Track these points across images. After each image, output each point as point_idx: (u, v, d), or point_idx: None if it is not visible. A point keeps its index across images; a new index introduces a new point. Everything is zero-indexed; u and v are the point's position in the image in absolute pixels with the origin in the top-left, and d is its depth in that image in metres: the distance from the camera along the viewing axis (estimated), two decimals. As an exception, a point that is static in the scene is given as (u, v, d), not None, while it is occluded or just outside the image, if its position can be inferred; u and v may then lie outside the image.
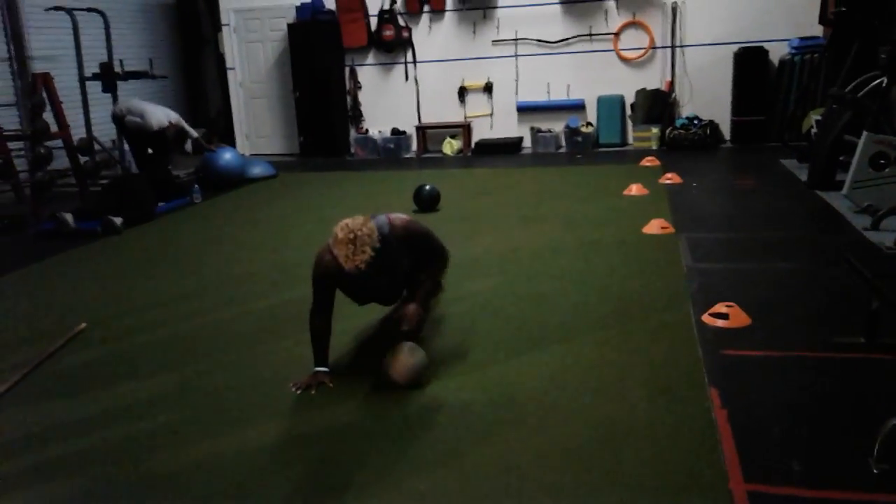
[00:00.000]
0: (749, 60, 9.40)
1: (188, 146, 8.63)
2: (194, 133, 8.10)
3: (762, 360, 3.40)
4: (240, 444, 2.88)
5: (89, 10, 8.68)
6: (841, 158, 6.42)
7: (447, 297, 4.16)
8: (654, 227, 5.64)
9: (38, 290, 5.15)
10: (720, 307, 3.87)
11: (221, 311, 4.45)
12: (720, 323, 3.79)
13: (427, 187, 6.80)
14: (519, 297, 4.39)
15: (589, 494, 2.44)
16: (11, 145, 7.79)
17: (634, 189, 7.03)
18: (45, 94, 7.60)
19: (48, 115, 7.83)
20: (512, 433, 2.85)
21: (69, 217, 6.52)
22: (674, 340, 3.63)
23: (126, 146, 8.62)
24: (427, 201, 6.74)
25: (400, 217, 3.39)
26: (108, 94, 8.69)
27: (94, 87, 8.70)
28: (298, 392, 3.22)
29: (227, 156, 8.48)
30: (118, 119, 7.87)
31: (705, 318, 3.85)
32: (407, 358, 3.23)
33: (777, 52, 9.42)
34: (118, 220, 6.50)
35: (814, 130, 7.49)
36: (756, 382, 3.19)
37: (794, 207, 6.27)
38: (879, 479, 2.45)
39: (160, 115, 7.64)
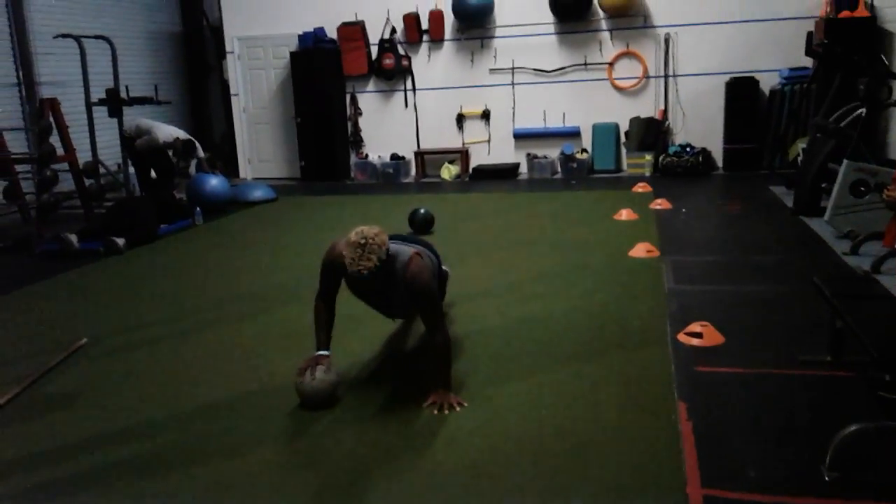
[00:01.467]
0: (740, 90, 9.61)
1: (192, 168, 8.86)
2: (202, 153, 8.35)
3: (732, 376, 3.55)
4: (235, 462, 3.04)
5: (97, 37, 8.94)
6: (824, 185, 6.59)
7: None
8: (640, 250, 5.80)
9: (40, 308, 5.31)
10: (695, 326, 4.02)
11: (220, 330, 4.60)
12: (694, 341, 3.94)
13: (421, 211, 6.98)
14: (503, 316, 4.55)
15: (553, 496, 2.58)
16: (19, 168, 8.02)
17: (624, 214, 7.20)
18: (51, 119, 7.81)
19: (55, 140, 8.06)
20: (482, 439, 3.00)
21: (73, 238, 6.70)
22: (649, 358, 3.78)
23: (131, 169, 8.86)
24: (421, 225, 6.92)
25: (420, 264, 3.34)
26: (114, 119, 8.95)
27: (101, 112, 8.93)
28: (301, 380, 3.33)
29: (213, 182, 8.59)
30: (127, 140, 8.17)
31: (680, 336, 4.01)
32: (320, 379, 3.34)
33: (768, 82, 9.63)
34: (120, 241, 6.69)
35: (800, 158, 7.67)
36: (723, 397, 3.33)
37: (778, 232, 6.43)
38: (831, 486, 2.59)
39: (169, 130, 8.00)
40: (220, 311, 4.98)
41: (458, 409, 3.28)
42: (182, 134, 8.21)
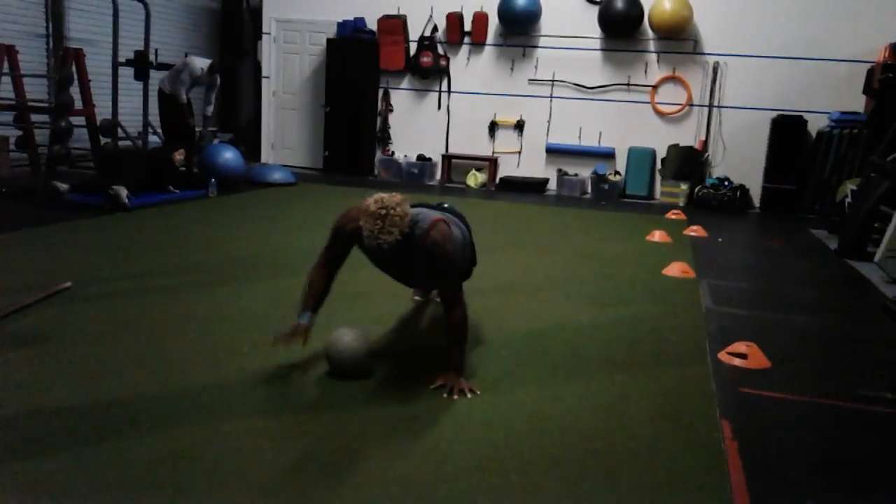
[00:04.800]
0: (786, 128, 9.20)
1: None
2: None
3: (780, 401, 3.14)
4: (209, 427, 2.66)
5: (133, -3, 8.68)
6: (877, 225, 6.17)
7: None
8: (675, 269, 5.40)
9: (35, 251, 4.97)
10: (739, 346, 3.61)
11: (215, 290, 4.24)
12: (737, 362, 3.53)
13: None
14: (526, 314, 4.16)
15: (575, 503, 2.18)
16: (35, 119, 7.74)
17: (657, 235, 6.80)
18: (74, 70, 7.53)
19: (76, 94, 7.77)
20: (495, 433, 2.60)
21: (64, 186, 6.42)
22: (686, 373, 3.37)
23: (153, 139, 8.56)
24: (443, 220, 6.54)
25: (443, 231, 3.01)
26: (140, 87, 8.66)
27: (126, 78, 8.65)
28: (281, 347, 2.99)
29: (227, 154, 8.26)
30: (166, 99, 8.09)
31: (722, 355, 3.60)
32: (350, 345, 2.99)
33: (815, 124, 9.23)
34: (123, 193, 6.34)
35: (848, 200, 7.25)
36: (772, 421, 2.92)
37: (821, 270, 6.01)
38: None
39: (201, 60, 8.27)
40: (218, 275, 4.62)
41: (469, 395, 2.89)
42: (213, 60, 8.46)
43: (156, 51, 8.66)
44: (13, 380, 2.85)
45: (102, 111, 8.42)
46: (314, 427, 2.58)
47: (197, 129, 8.59)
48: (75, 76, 7.54)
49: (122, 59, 8.54)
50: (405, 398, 2.85)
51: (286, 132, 11.20)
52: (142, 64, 8.52)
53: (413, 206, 3.28)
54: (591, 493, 2.25)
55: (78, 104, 7.75)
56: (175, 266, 4.76)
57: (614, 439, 2.63)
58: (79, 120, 7.92)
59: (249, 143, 11.69)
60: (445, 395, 2.87)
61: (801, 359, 3.73)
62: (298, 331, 3.01)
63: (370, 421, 2.65)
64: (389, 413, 2.72)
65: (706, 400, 3.05)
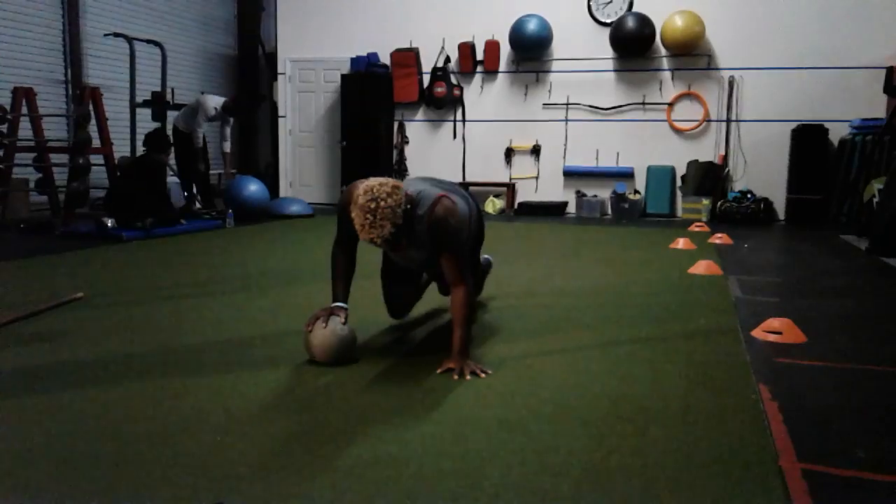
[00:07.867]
0: (807, 138, 9.07)
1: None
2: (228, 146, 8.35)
3: (820, 368, 2.97)
4: (215, 401, 2.55)
5: (148, 41, 8.83)
6: (907, 217, 5.99)
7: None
8: (701, 267, 5.24)
9: (49, 273, 4.94)
10: (773, 322, 3.45)
11: (227, 300, 4.17)
12: (772, 338, 3.37)
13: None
14: (547, 306, 4.03)
15: (607, 455, 2.03)
16: (54, 159, 7.82)
17: (681, 243, 6.65)
18: (92, 110, 7.61)
19: (94, 135, 7.84)
20: (522, 402, 2.47)
21: (108, 220, 6.47)
22: (717, 347, 3.22)
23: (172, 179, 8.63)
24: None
25: (447, 206, 2.85)
26: (158, 124, 8.76)
27: (144, 122, 8.73)
28: (310, 330, 2.85)
29: (252, 187, 8.34)
30: (180, 138, 8.20)
31: (755, 332, 3.44)
32: (329, 336, 2.85)
33: (837, 133, 9.09)
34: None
35: (875, 199, 7.07)
36: (813, 385, 2.76)
37: (853, 265, 5.83)
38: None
39: (215, 99, 8.37)
40: (232, 286, 4.55)
41: (482, 375, 2.72)
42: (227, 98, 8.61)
43: (172, 90, 8.77)
44: (28, 364, 2.77)
45: (122, 151, 8.50)
46: (323, 400, 2.47)
47: (212, 172, 8.73)
48: (93, 115, 7.59)
49: (139, 101, 8.67)
50: (419, 377, 2.72)
51: (304, 170, 11.24)
52: (159, 104, 8.63)
53: (418, 179, 3.20)
54: (620, 446, 2.10)
55: (96, 143, 7.79)
56: (188, 281, 4.71)
57: (644, 401, 2.48)
58: (97, 159, 7.95)
59: (268, 184, 11.73)
60: (456, 378, 2.70)
61: (839, 334, 3.56)
62: (333, 312, 2.89)
63: (383, 394, 2.53)
64: (403, 388, 2.60)
65: (740, 369, 2.89)
